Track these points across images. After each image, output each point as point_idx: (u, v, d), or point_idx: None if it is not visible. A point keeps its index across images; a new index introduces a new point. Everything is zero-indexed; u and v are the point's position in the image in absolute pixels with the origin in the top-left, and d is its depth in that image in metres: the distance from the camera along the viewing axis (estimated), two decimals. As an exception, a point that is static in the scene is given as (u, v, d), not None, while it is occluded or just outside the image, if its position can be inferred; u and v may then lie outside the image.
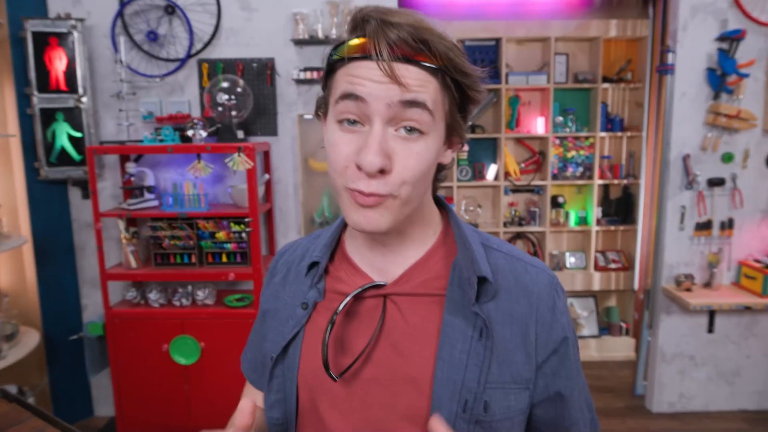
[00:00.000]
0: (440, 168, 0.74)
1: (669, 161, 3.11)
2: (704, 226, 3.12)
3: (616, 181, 3.96)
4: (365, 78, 0.60)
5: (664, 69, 3.15)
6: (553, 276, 0.74)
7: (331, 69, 0.66)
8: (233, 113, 2.79)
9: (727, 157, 3.07)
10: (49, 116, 2.83)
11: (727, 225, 3.12)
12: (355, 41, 0.61)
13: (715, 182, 3.08)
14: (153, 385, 2.77)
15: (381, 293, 0.71)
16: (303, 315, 0.75)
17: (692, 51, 3.02)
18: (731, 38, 2.96)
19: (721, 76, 2.99)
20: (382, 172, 0.61)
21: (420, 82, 0.60)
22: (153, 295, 2.78)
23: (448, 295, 0.69)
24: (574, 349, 0.74)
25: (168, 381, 2.76)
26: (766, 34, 3.00)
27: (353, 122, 0.63)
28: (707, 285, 3.13)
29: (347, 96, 0.61)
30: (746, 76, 2.97)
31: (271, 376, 0.76)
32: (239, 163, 2.58)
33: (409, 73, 0.60)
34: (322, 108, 0.70)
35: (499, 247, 0.75)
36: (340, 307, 0.70)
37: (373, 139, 0.60)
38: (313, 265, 0.77)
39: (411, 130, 0.62)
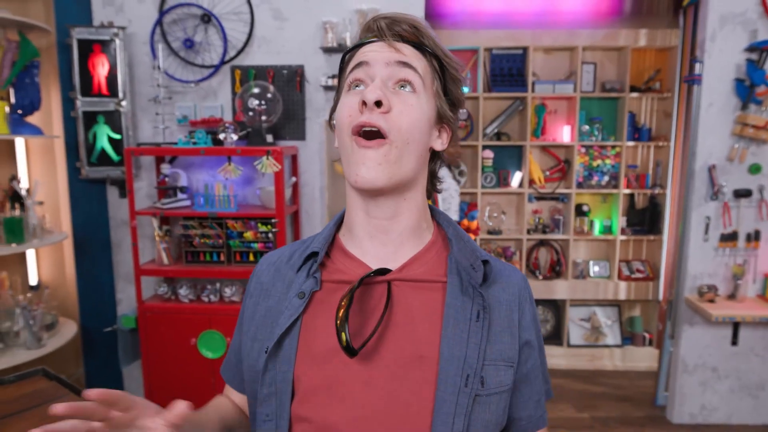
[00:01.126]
0: (433, 156, 0.83)
1: (694, 171, 3.10)
2: (729, 238, 3.09)
3: (642, 191, 3.94)
4: (371, 51, 0.75)
5: (691, 79, 3.14)
6: (521, 273, 0.86)
7: (343, 67, 0.80)
8: (263, 118, 2.90)
9: (755, 169, 3.04)
10: (90, 119, 3.00)
11: (754, 237, 3.09)
12: (364, 33, 0.78)
13: (742, 193, 3.05)
14: (181, 377, 2.89)
15: (385, 279, 0.77)
16: (300, 304, 0.77)
17: (720, 61, 3.01)
18: (761, 49, 2.93)
19: (750, 87, 2.96)
20: (380, 105, 0.71)
21: (412, 55, 0.76)
22: (183, 291, 2.90)
23: (449, 282, 0.77)
24: (540, 335, 0.85)
25: (195, 373, 2.88)
26: (797, 44, 2.96)
27: (358, 85, 0.75)
28: (731, 297, 3.09)
29: (357, 65, 0.75)
30: (776, 87, 2.94)
31: (265, 369, 0.76)
32: (267, 166, 2.68)
33: (405, 48, 0.75)
34: (333, 110, 0.82)
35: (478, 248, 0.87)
36: (357, 285, 0.73)
37: (375, 82, 0.73)
38: (311, 256, 0.81)
39: (404, 85, 0.74)
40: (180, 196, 2.96)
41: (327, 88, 3.03)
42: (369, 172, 0.71)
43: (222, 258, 2.89)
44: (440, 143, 0.82)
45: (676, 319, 3.24)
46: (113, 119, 3.01)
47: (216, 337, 2.82)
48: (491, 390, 0.74)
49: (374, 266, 0.78)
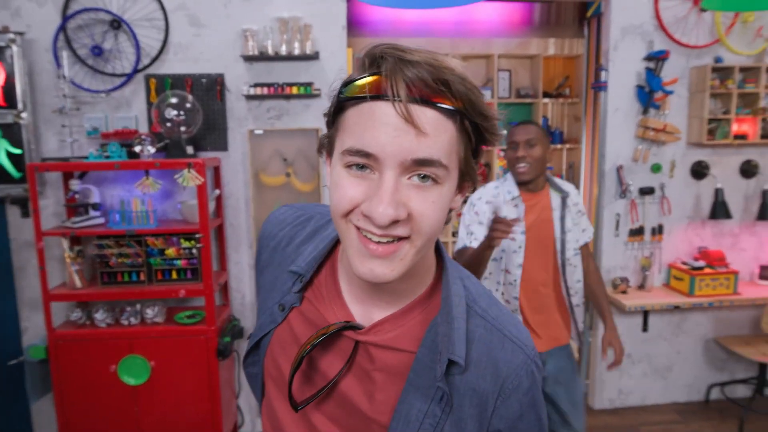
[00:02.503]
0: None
1: (604, 172, 3.31)
2: (637, 232, 3.33)
3: (557, 191, 4.16)
4: (379, 124, 0.56)
5: (598, 86, 3.36)
6: (529, 356, 0.69)
7: (340, 107, 0.61)
8: (182, 129, 2.77)
9: (656, 168, 3.30)
10: (-15, 132, 2.73)
11: (657, 231, 3.35)
12: (369, 79, 0.57)
13: (646, 191, 3.30)
14: (100, 408, 2.69)
15: (354, 337, 0.70)
16: (279, 315, 0.78)
17: (623, 69, 3.24)
18: (657, 58, 3.19)
19: (649, 93, 3.21)
20: (395, 222, 0.58)
21: (436, 128, 0.57)
22: (99, 315, 2.70)
23: (418, 356, 0.68)
24: (537, 423, 0.71)
25: (116, 403, 2.69)
26: (687, 54, 3.25)
27: (362, 167, 0.59)
28: (641, 287, 3.33)
29: (357, 152, 0.58)
30: (671, 92, 3.20)
31: (247, 353, 0.86)
32: (189, 179, 2.56)
33: (426, 117, 0.56)
34: (326, 146, 0.66)
35: (484, 313, 0.70)
36: (308, 351, 0.69)
37: (385, 189, 0.57)
38: (296, 273, 0.76)
39: (425, 177, 0.59)
40: (92, 213, 2.77)
41: (249, 97, 2.94)
42: (377, 278, 0.61)
43: (142, 278, 2.72)
44: (459, 199, 0.67)
45: (593, 312, 3.44)
46: (12, 132, 2.76)
47: (138, 362, 2.65)
48: None
49: (355, 308, 0.72)
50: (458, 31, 3.96)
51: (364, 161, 0.58)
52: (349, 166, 0.59)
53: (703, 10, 3.20)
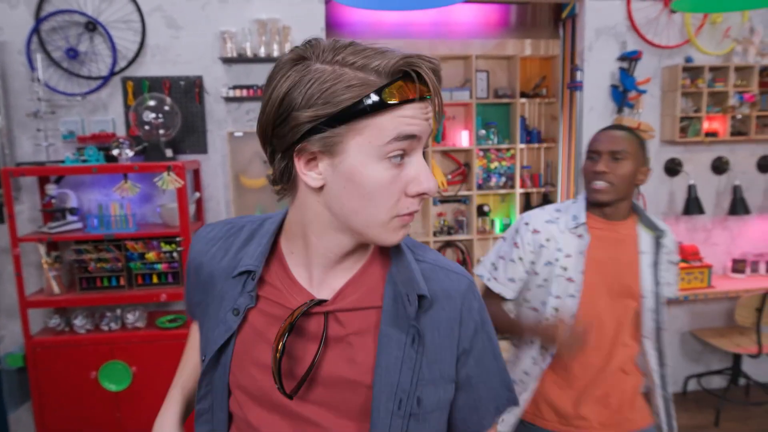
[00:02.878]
0: None
1: (581, 170, 3.37)
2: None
3: (536, 190, 4.22)
4: (418, 117, 0.67)
5: (573, 86, 3.42)
6: (471, 280, 0.82)
7: (362, 111, 0.65)
8: (161, 132, 2.75)
9: (631, 166, 3.37)
10: (-43, 137, 2.67)
11: (634, 227, 3.42)
12: (406, 85, 0.65)
13: (622, 189, 3.36)
14: (80, 416, 2.66)
15: (322, 310, 0.74)
16: (234, 321, 0.77)
17: (597, 70, 3.31)
18: (630, 58, 3.26)
19: (623, 92, 3.29)
20: None
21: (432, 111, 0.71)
22: (79, 321, 2.67)
23: (385, 308, 0.74)
24: (489, 341, 0.83)
25: (97, 409, 2.66)
26: (659, 54, 3.33)
27: (402, 155, 0.68)
28: (619, 283, 3.39)
29: (408, 137, 0.66)
30: (644, 92, 3.28)
31: (203, 373, 0.80)
32: (169, 182, 2.55)
33: (441, 106, 0.70)
34: (326, 147, 0.67)
35: (424, 257, 0.81)
36: (292, 324, 0.72)
37: (424, 166, 0.69)
38: (247, 272, 0.78)
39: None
40: (70, 218, 2.73)
41: (228, 99, 2.93)
42: (405, 234, 0.73)
43: (122, 282, 2.69)
44: None
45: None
46: (-15, 137, 2.71)
47: (119, 367, 2.62)
48: (429, 408, 0.75)
49: (312, 288, 0.77)
50: (437, 32, 4.00)
51: (405, 147, 0.67)
52: (389, 157, 0.67)
53: (673, 11, 3.29)
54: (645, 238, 1.52)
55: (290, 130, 0.67)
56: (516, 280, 1.58)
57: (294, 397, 0.72)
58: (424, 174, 0.68)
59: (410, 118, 0.66)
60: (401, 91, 0.65)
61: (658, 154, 3.42)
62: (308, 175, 0.69)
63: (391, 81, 0.65)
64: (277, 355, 0.71)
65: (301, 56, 0.67)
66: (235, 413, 0.80)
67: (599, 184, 1.48)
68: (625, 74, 3.27)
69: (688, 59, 3.32)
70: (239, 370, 0.78)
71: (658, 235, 1.52)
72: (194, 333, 0.97)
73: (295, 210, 0.76)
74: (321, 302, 0.75)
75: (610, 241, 1.51)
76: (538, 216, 1.57)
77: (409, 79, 0.65)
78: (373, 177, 0.67)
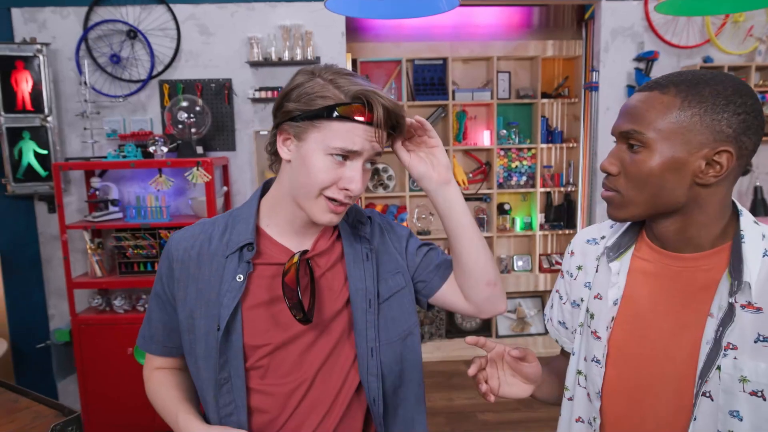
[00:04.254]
0: None
1: (596, 170, 3.42)
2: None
3: (557, 189, 4.27)
4: (362, 138, 0.90)
5: (590, 86, 3.47)
6: (382, 215, 1.14)
7: (321, 114, 0.90)
8: (193, 130, 2.99)
9: (648, 165, 3.39)
10: (16, 135, 3.00)
11: (650, 226, 3.44)
12: (360, 109, 0.89)
13: (638, 188, 3.39)
14: (118, 387, 2.93)
15: (307, 257, 1.01)
16: (240, 286, 0.95)
17: (613, 70, 3.35)
18: (647, 58, 3.30)
19: (639, 93, 3.32)
20: None
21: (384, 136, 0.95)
22: (118, 302, 2.94)
23: (344, 240, 1.03)
24: (415, 237, 1.14)
25: (133, 383, 2.91)
26: (676, 54, 3.35)
27: (343, 156, 0.91)
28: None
29: (350, 151, 0.90)
30: (661, 92, 3.30)
31: (220, 343, 0.94)
32: (198, 176, 2.78)
33: (383, 136, 0.93)
34: (294, 130, 0.92)
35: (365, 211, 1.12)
36: (297, 264, 0.94)
37: (359, 172, 0.92)
38: (244, 246, 0.97)
39: (372, 163, 0.96)
40: (111, 208, 3.01)
41: (255, 100, 3.15)
42: (332, 222, 0.96)
43: (156, 267, 2.95)
44: None
45: None
46: (39, 135, 3.02)
47: (152, 345, 2.87)
48: (387, 295, 1.03)
49: (293, 248, 1.00)
50: (458, 34, 4.11)
51: (347, 153, 0.90)
52: (333, 154, 0.90)
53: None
54: (723, 286, 0.83)
55: (282, 114, 0.94)
56: (567, 324, 1.07)
57: (311, 321, 0.94)
58: (355, 177, 0.91)
59: (355, 135, 0.89)
60: (354, 111, 0.89)
61: (676, 154, 3.43)
62: (282, 148, 0.95)
63: (351, 102, 0.89)
64: (296, 288, 0.91)
65: (313, 72, 0.94)
66: (252, 369, 0.97)
67: (603, 191, 0.92)
68: (641, 74, 3.31)
69: (707, 59, 3.32)
70: (254, 336, 0.96)
71: (735, 281, 0.80)
72: (162, 373, 1.11)
73: (277, 181, 1.01)
74: (305, 252, 0.99)
75: (666, 283, 0.89)
76: (585, 233, 1.06)
77: (364, 106, 0.89)
78: (317, 164, 0.91)
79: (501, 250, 4.38)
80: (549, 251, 4.42)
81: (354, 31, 3.89)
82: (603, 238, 1.00)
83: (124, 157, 2.89)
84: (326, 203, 0.93)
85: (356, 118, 0.89)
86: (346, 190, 0.92)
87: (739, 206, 0.87)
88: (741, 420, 0.78)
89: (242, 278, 0.95)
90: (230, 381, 0.95)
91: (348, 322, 1.00)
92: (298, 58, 3.09)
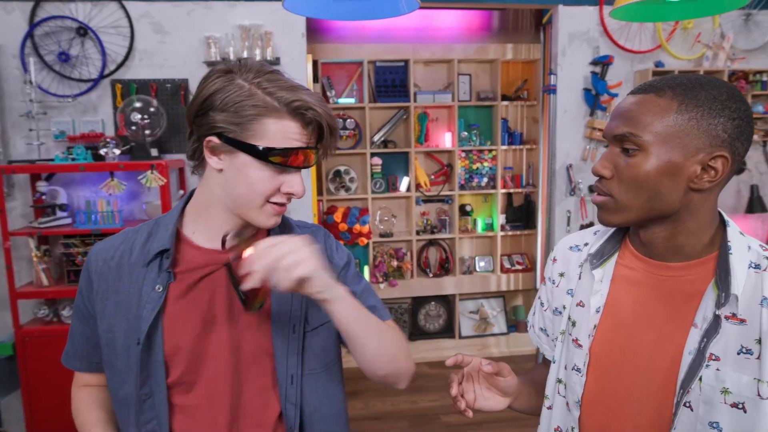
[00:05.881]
0: None
1: (555, 171, 3.48)
2: (586, 227, 3.50)
3: (517, 190, 4.33)
4: (299, 144, 0.87)
5: (548, 89, 3.53)
6: (324, 229, 1.09)
7: (256, 149, 0.85)
8: (147, 132, 2.88)
9: (604, 167, 3.47)
10: (-47, 136, 2.82)
11: (607, 227, 3.52)
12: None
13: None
14: (66, 404, 2.77)
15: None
16: (159, 296, 0.91)
17: (571, 73, 3.42)
18: (602, 63, 3.38)
19: (595, 96, 3.40)
20: None
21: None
22: (66, 312, 2.80)
23: None
24: (353, 267, 1.08)
25: (84, 396, 2.79)
26: (630, 58, 3.44)
27: (283, 166, 0.88)
28: (592, 281, 3.47)
29: (295, 167, 0.88)
30: (616, 95, 3.39)
31: (139, 356, 0.90)
32: (152, 180, 2.68)
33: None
34: (231, 144, 0.86)
35: (298, 223, 1.07)
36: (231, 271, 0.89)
37: (300, 177, 0.91)
38: (161, 252, 0.92)
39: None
40: (59, 214, 2.86)
41: (212, 101, 3.06)
42: (276, 224, 0.94)
43: (108, 275, 2.82)
44: None
45: None
46: (-20, 136, 2.85)
47: (105, 356, 2.75)
48: (316, 324, 0.98)
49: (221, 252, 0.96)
50: (419, 37, 4.12)
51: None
52: (273, 163, 0.86)
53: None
54: (709, 297, 0.82)
55: (206, 123, 0.87)
56: (548, 332, 1.06)
57: (249, 309, 0.89)
58: (296, 181, 0.90)
59: (293, 141, 0.86)
60: (290, 157, 0.86)
61: (630, 156, 3.52)
62: (212, 159, 0.89)
63: (289, 114, 0.85)
64: (236, 283, 0.85)
65: (229, 70, 0.86)
66: (173, 386, 0.92)
67: (594, 195, 0.90)
68: (597, 78, 3.38)
69: (659, 64, 3.43)
70: (174, 342, 0.91)
71: (722, 293, 0.80)
72: (87, 392, 1.05)
73: (202, 186, 0.94)
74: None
75: (650, 292, 0.88)
76: (567, 240, 1.06)
77: (300, 118, 0.85)
78: (257, 174, 0.87)
79: (463, 251, 4.40)
80: (510, 251, 4.48)
81: (315, 31, 3.84)
82: (586, 245, 0.99)
83: (74, 159, 2.76)
84: (272, 208, 0.91)
85: (295, 143, 0.86)
86: (291, 194, 0.90)
87: (726, 216, 0.87)
88: (720, 431, 0.78)
89: (161, 288, 0.91)
90: (152, 397, 0.91)
91: (267, 342, 0.95)
92: (258, 58, 3.02)
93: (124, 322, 0.92)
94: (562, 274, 1.02)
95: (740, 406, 0.77)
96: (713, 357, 0.79)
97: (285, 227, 1.02)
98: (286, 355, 0.94)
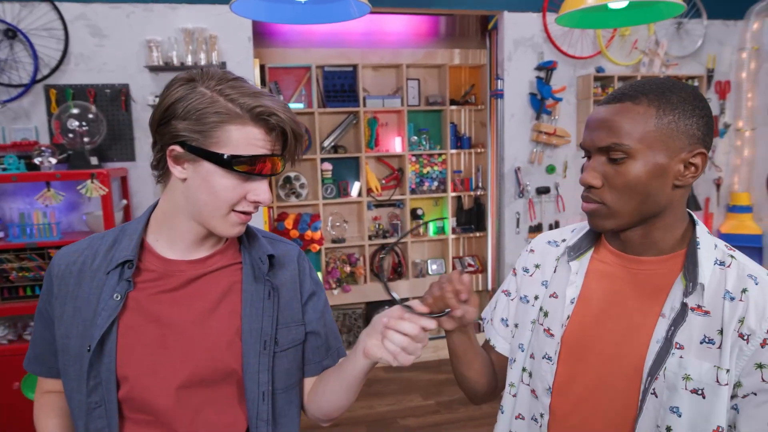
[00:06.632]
0: None
1: (504, 174, 3.56)
2: (536, 229, 3.60)
3: (467, 193, 4.39)
4: (263, 150, 0.85)
5: (495, 94, 3.61)
6: (299, 249, 1.07)
7: (220, 157, 0.84)
8: (86, 139, 2.75)
9: (550, 169, 3.58)
10: None
11: (554, 226, 3.63)
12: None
13: (542, 191, 3.57)
14: (4, 426, 2.62)
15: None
16: (116, 305, 0.89)
17: (517, 78, 3.50)
18: (546, 68, 3.48)
19: (541, 100, 3.49)
20: None
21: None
22: (0, 332, 2.63)
23: (245, 270, 0.97)
24: (324, 300, 1.06)
25: (21, 421, 2.61)
26: (573, 64, 3.56)
27: (248, 174, 0.86)
28: (541, 280, 3.57)
29: (262, 176, 0.87)
30: (560, 100, 3.50)
31: (90, 364, 0.88)
32: (93, 189, 2.55)
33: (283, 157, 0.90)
34: (194, 153, 0.85)
35: (265, 234, 1.04)
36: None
37: (266, 185, 0.89)
38: (124, 263, 0.91)
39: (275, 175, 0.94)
40: (-10, 227, 2.69)
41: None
42: (240, 233, 0.92)
43: (46, 291, 2.67)
44: None
45: (500, 305, 3.67)
46: None
47: (44, 377, 2.60)
48: (285, 346, 0.97)
49: (183, 264, 0.94)
50: (368, 41, 4.12)
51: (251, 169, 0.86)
52: (238, 171, 0.84)
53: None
54: (677, 288, 0.87)
55: (168, 132, 0.85)
56: (509, 321, 1.08)
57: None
58: (261, 189, 0.88)
59: (257, 148, 0.84)
60: (258, 163, 0.85)
61: (575, 158, 3.64)
62: (176, 168, 0.87)
63: (252, 120, 0.83)
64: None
65: (192, 78, 0.85)
66: (125, 400, 0.89)
67: (585, 204, 0.92)
68: (542, 83, 3.48)
69: (599, 69, 3.57)
70: (128, 356, 0.88)
71: (689, 283, 0.85)
72: (49, 398, 1.03)
73: (166, 196, 0.93)
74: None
75: (622, 285, 0.93)
76: (546, 235, 1.09)
77: (264, 123, 0.84)
78: (221, 182, 0.86)
79: (415, 255, 4.43)
80: (461, 254, 4.54)
81: (262, 35, 3.77)
82: (564, 241, 1.04)
83: (4, 170, 2.60)
84: (236, 216, 0.89)
85: (259, 150, 0.85)
86: (257, 203, 0.89)
87: (695, 216, 0.93)
88: (680, 416, 0.83)
89: (119, 297, 0.89)
90: (102, 406, 0.89)
91: (235, 360, 0.93)
92: (203, 62, 2.94)
93: (81, 329, 0.90)
94: (537, 266, 1.06)
95: (699, 392, 0.82)
96: (678, 345, 0.84)
97: (250, 237, 1.00)
98: (257, 371, 0.93)
